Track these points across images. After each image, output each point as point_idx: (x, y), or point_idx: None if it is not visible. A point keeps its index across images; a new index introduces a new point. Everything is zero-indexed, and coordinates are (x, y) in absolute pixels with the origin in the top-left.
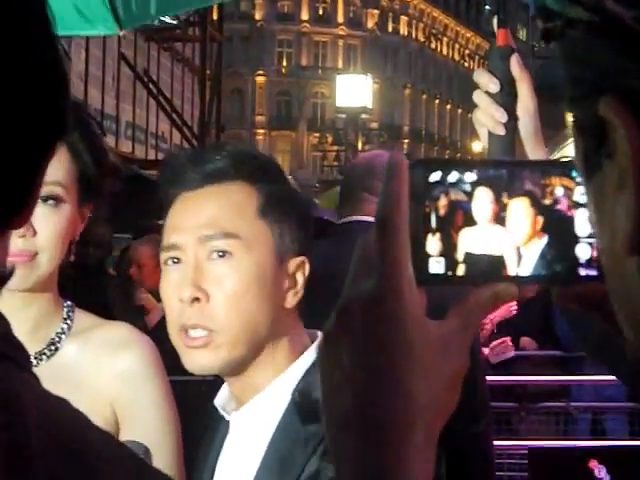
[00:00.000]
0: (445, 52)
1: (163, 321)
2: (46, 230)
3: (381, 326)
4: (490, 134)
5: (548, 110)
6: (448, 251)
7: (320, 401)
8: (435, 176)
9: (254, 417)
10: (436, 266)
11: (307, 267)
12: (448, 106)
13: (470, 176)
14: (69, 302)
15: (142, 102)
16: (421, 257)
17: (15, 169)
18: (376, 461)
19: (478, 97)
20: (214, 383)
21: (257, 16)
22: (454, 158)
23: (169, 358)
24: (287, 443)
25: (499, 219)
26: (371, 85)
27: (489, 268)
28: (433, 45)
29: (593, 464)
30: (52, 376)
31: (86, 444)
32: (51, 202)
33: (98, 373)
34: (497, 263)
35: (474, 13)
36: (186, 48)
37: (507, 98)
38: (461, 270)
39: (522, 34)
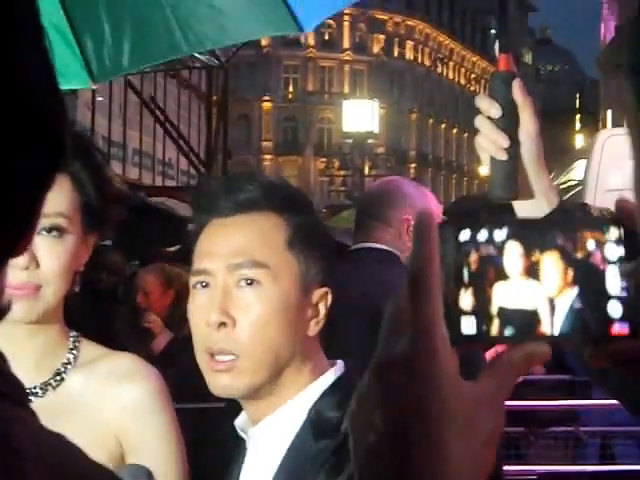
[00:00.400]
0: (451, 76)
1: (170, 346)
2: (50, 262)
3: (416, 386)
4: (492, 159)
5: (554, 133)
6: (481, 306)
7: (352, 460)
8: (465, 235)
9: (270, 433)
10: (469, 326)
11: (329, 297)
12: (454, 130)
13: (500, 234)
14: (75, 333)
15: (149, 129)
16: (453, 317)
17: (12, 200)
18: None
19: (480, 122)
20: (227, 409)
21: (263, 42)
22: (484, 215)
23: (176, 384)
24: (299, 459)
25: (531, 273)
26: (377, 110)
27: (523, 325)
28: (439, 69)
29: None
30: (57, 406)
31: None
32: (55, 233)
33: (103, 404)
34: (531, 319)
35: (480, 37)
36: (192, 75)
37: (509, 123)
38: (495, 328)
39: (528, 58)
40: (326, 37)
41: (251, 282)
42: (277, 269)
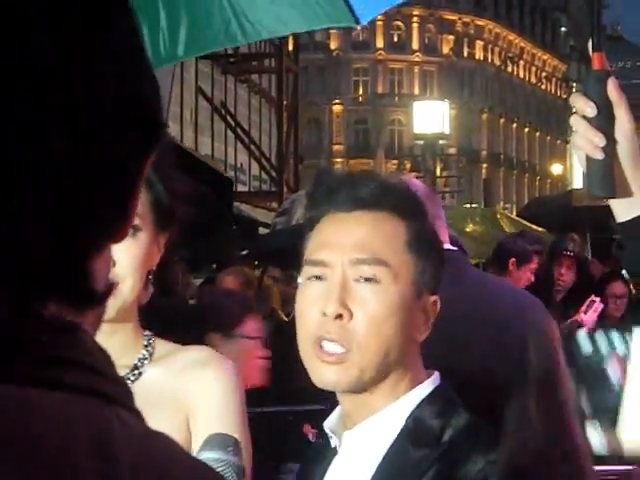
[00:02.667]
0: (522, 75)
1: None
2: (126, 259)
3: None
4: (588, 158)
5: None
6: None
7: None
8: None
9: (367, 437)
10: None
11: (438, 305)
12: (526, 129)
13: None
14: (149, 332)
15: (220, 135)
16: None
17: (115, 176)
18: None
19: (575, 122)
20: (300, 413)
21: (332, 45)
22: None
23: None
24: (398, 465)
25: None
26: (448, 110)
27: None
28: (509, 69)
29: None
30: (136, 399)
31: None
32: (129, 231)
33: (177, 392)
34: None
35: (550, 35)
36: (262, 79)
37: (605, 121)
38: None
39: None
40: (395, 39)
41: (370, 279)
42: (397, 269)
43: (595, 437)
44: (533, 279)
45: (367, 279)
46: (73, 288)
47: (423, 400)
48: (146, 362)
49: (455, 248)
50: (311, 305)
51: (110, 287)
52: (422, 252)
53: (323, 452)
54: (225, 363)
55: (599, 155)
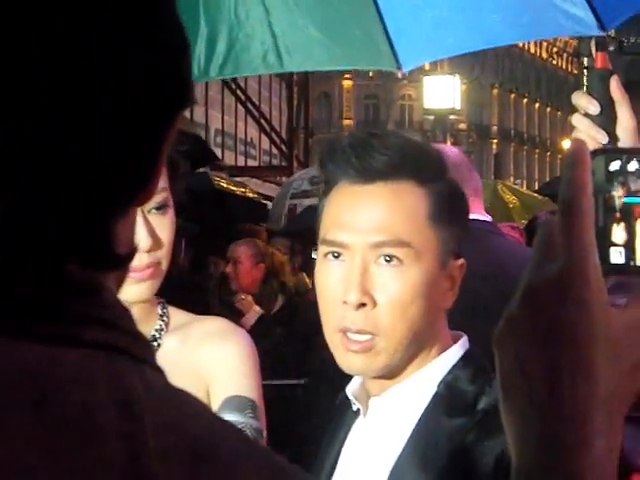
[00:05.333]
0: (533, 50)
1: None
2: (166, 238)
3: (567, 310)
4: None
5: (637, 105)
6: (629, 240)
7: (493, 389)
8: (615, 165)
9: (396, 404)
10: (617, 256)
11: (464, 268)
12: (537, 105)
13: None
14: (161, 299)
15: (230, 109)
16: (602, 246)
17: (141, 138)
18: (554, 440)
19: (577, 120)
20: (309, 387)
21: None
22: (634, 147)
23: (263, 361)
24: (431, 434)
25: None
26: (459, 86)
27: None
28: (520, 44)
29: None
30: None
31: (214, 444)
32: (163, 210)
33: (197, 361)
34: None
35: None
36: None
37: (607, 119)
38: None
39: (611, 30)
40: None
41: (391, 259)
42: (419, 247)
43: None
44: None
45: (387, 260)
46: (94, 250)
47: (454, 365)
48: (163, 332)
49: (483, 218)
50: (332, 290)
51: (133, 251)
52: (445, 220)
53: (342, 416)
54: (240, 333)
55: None
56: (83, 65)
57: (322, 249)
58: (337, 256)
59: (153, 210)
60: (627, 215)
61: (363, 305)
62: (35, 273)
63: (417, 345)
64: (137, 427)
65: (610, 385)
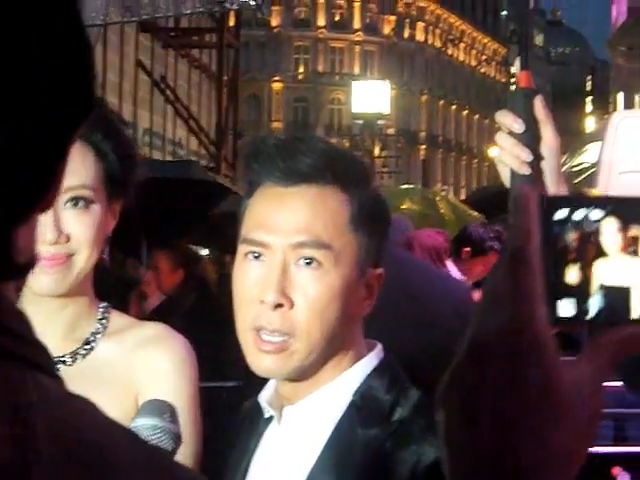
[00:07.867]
0: (462, 58)
1: (160, 308)
2: (79, 232)
3: (517, 362)
4: (514, 173)
5: (564, 116)
6: (580, 287)
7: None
8: (562, 213)
9: (311, 412)
10: (567, 308)
11: (382, 277)
12: (465, 112)
13: (597, 213)
14: (105, 304)
15: (159, 109)
16: (551, 297)
17: (39, 147)
18: None
19: (501, 138)
20: (235, 389)
21: (274, 22)
22: (581, 195)
23: None
24: (346, 444)
25: (630, 251)
26: (388, 91)
27: (619, 307)
28: (450, 51)
29: (616, 471)
30: (86, 374)
31: (107, 452)
32: (81, 204)
33: (128, 369)
34: (627, 299)
35: (491, 19)
36: (203, 55)
37: (531, 138)
38: (593, 308)
39: (539, 39)
40: (337, 18)
41: (311, 262)
42: (339, 250)
43: None
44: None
45: (307, 262)
46: None
47: (369, 374)
48: (99, 336)
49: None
50: (250, 289)
51: (33, 259)
52: (366, 227)
53: (254, 422)
54: (178, 340)
55: (526, 170)
56: None
57: (242, 248)
58: (257, 257)
59: (68, 204)
60: (579, 259)
61: (280, 306)
62: None
63: (331, 349)
64: (28, 432)
65: (562, 440)
